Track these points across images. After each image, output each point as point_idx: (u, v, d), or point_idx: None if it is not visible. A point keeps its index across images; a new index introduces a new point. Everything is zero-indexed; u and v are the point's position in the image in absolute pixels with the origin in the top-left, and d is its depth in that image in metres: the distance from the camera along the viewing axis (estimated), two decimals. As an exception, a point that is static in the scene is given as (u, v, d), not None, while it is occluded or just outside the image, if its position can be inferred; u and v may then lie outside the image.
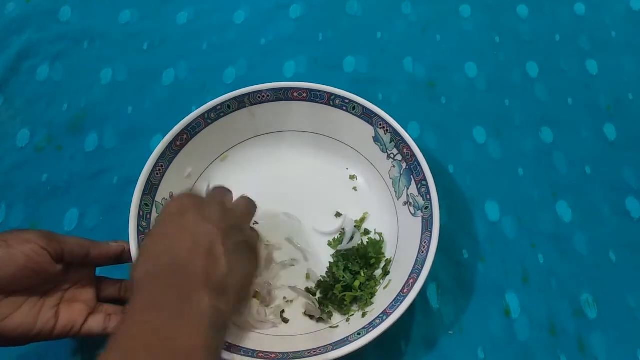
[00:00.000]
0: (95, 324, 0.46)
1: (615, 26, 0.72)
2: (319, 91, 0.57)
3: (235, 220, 0.44)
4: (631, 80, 0.68)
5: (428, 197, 0.52)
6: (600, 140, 0.64)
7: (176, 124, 0.54)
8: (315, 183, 0.59)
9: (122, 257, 0.49)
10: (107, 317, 0.47)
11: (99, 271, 0.50)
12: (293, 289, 0.53)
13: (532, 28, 0.72)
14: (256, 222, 0.56)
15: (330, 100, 0.57)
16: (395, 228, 0.55)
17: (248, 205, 0.49)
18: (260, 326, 0.51)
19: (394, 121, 0.55)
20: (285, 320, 0.52)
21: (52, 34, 0.71)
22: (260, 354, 0.46)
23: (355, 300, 0.52)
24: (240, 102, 0.57)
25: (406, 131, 0.55)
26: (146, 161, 0.52)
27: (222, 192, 0.47)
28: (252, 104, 0.57)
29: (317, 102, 0.58)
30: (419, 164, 0.53)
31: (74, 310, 0.46)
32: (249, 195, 0.50)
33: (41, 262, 0.43)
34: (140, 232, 0.50)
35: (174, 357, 0.34)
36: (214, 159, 0.59)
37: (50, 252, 0.43)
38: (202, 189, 0.57)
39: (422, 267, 0.48)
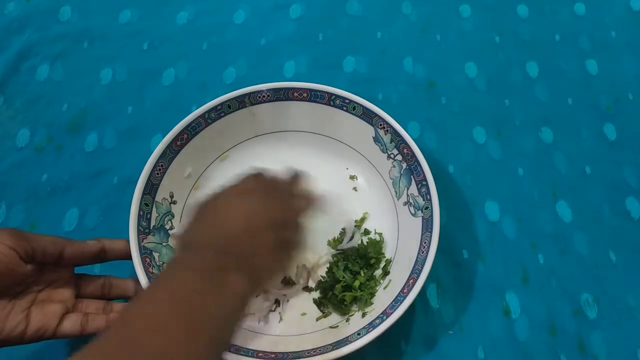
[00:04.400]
0: (70, 325, 0.44)
1: (615, 26, 0.72)
2: (319, 91, 0.57)
3: (289, 217, 0.44)
4: (631, 80, 0.68)
5: (428, 197, 0.52)
6: (600, 140, 0.64)
7: (176, 124, 0.54)
8: (315, 183, 0.59)
9: (100, 255, 0.47)
10: (84, 317, 0.45)
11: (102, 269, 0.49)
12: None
13: (532, 28, 0.72)
14: None
15: (330, 100, 0.57)
16: (395, 228, 0.55)
17: (310, 201, 0.47)
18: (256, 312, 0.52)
19: (394, 121, 0.55)
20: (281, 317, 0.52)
21: (52, 34, 0.71)
22: (260, 354, 0.46)
23: (355, 300, 0.52)
24: (240, 102, 0.57)
25: (406, 131, 0.55)
26: (146, 161, 0.52)
27: (293, 180, 0.48)
28: (252, 104, 0.57)
29: (318, 102, 0.58)
30: (419, 164, 0.53)
31: (48, 312, 0.43)
32: None
33: (8, 262, 0.41)
34: (140, 232, 0.50)
35: (199, 321, 0.34)
36: (214, 158, 0.59)
37: (19, 252, 0.41)
38: (205, 190, 0.57)
39: (422, 267, 0.48)
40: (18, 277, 0.42)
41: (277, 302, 0.53)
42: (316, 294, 0.54)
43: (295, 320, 0.52)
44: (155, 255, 0.50)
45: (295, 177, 0.48)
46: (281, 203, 0.43)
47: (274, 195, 0.44)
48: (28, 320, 0.42)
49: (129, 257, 0.48)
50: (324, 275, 0.54)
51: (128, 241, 0.49)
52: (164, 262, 0.50)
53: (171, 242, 0.53)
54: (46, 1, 0.73)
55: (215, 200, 0.42)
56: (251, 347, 0.48)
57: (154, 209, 0.52)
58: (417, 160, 0.53)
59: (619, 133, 0.64)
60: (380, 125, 0.56)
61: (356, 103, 0.56)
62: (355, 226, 0.56)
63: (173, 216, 0.54)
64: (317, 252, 0.55)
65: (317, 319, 0.52)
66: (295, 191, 0.47)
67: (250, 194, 0.42)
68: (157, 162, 0.53)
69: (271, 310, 0.53)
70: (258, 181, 0.44)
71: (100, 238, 0.47)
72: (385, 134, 0.56)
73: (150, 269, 0.48)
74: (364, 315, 0.50)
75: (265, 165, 0.59)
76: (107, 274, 0.50)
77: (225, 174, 0.58)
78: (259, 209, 0.41)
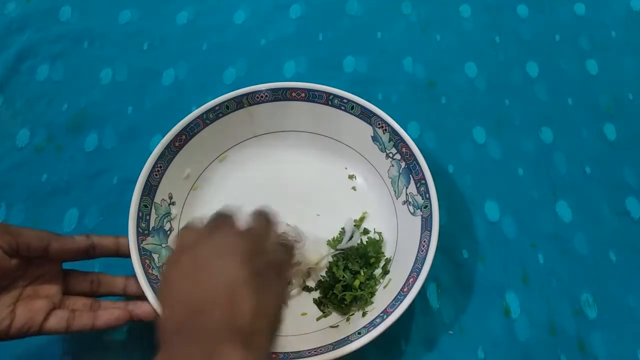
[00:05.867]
0: (56, 322, 0.43)
1: (615, 26, 0.72)
2: (317, 91, 0.57)
3: (253, 243, 0.38)
4: (631, 80, 0.68)
5: (427, 195, 0.52)
6: (600, 140, 0.64)
7: (176, 124, 0.54)
8: (314, 183, 0.59)
9: (89, 252, 0.46)
10: (71, 314, 0.44)
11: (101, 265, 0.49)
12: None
13: (532, 28, 0.72)
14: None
15: (328, 100, 0.57)
16: (394, 227, 0.55)
17: (264, 219, 0.42)
18: None
19: (393, 120, 0.55)
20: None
21: (52, 34, 0.71)
22: (260, 354, 0.46)
23: (355, 299, 0.52)
24: (238, 103, 0.57)
25: (406, 131, 0.55)
26: (146, 161, 0.52)
27: (224, 216, 0.41)
28: (250, 104, 0.57)
29: (316, 102, 0.58)
30: (418, 163, 0.53)
31: (33, 307, 0.43)
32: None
33: None
34: (139, 233, 0.50)
35: None
36: (212, 159, 0.59)
37: (3, 246, 0.41)
38: (203, 191, 0.57)
39: (422, 266, 0.48)
40: (2, 271, 0.41)
41: None
42: (316, 294, 0.54)
43: (296, 320, 0.52)
44: (155, 256, 0.50)
45: (225, 215, 0.41)
46: (233, 238, 0.38)
47: (221, 233, 0.39)
48: (13, 316, 0.42)
49: (118, 254, 0.48)
50: (324, 275, 0.54)
51: (118, 238, 0.48)
52: (163, 264, 0.50)
53: (170, 243, 0.53)
54: (46, 1, 0.73)
55: (171, 269, 0.38)
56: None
57: (153, 210, 0.52)
58: (415, 159, 0.53)
59: (619, 133, 0.64)
60: (379, 124, 0.56)
61: (354, 103, 0.56)
62: (354, 225, 0.56)
63: (172, 217, 0.54)
64: (316, 252, 0.55)
65: (318, 319, 0.52)
66: (238, 223, 0.41)
67: (197, 245, 0.38)
68: (156, 163, 0.53)
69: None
70: (193, 230, 0.40)
71: (90, 234, 0.47)
72: (384, 134, 0.56)
73: (150, 271, 0.48)
74: (364, 314, 0.50)
75: (264, 165, 0.60)
76: (107, 271, 0.50)
77: (224, 174, 0.58)
78: (215, 256, 0.37)
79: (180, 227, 0.53)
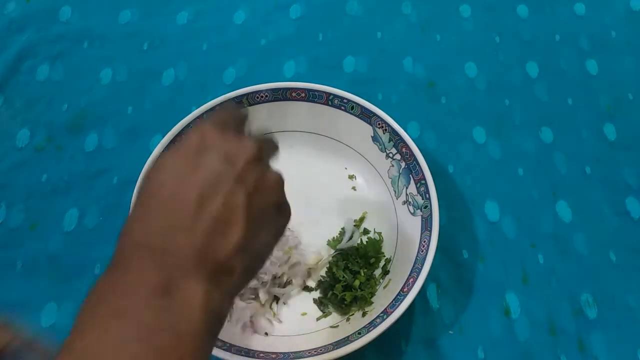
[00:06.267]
0: None
1: (615, 26, 0.72)
2: (317, 91, 0.57)
3: (260, 172, 0.33)
4: (631, 80, 0.68)
5: (427, 195, 0.52)
6: (600, 140, 0.64)
7: (176, 124, 0.54)
8: (314, 183, 0.59)
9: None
10: None
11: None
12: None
13: (532, 28, 0.72)
14: None
15: (328, 100, 0.57)
16: (394, 227, 0.55)
17: (272, 144, 0.36)
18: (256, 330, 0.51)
19: (393, 120, 0.55)
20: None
21: (52, 34, 0.71)
22: (261, 354, 0.47)
23: (355, 299, 0.52)
24: (238, 103, 0.57)
25: (406, 131, 0.55)
26: (146, 161, 0.52)
27: (264, 139, 0.35)
28: (250, 104, 0.57)
29: (316, 102, 0.58)
30: (418, 163, 0.53)
31: None
32: None
33: None
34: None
35: None
36: (213, 159, 0.58)
37: None
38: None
39: (422, 266, 0.48)
40: None
41: (276, 299, 0.53)
42: (316, 294, 0.54)
43: (296, 320, 0.52)
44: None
45: (267, 138, 0.35)
46: (255, 159, 0.32)
47: (245, 147, 0.32)
48: None
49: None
50: (324, 275, 0.54)
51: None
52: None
53: None
54: (46, 1, 0.73)
55: (161, 171, 0.32)
56: (251, 347, 0.48)
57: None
58: (415, 159, 0.53)
59: (619, 133, 0.64)
60: (379, 124, 0.56)
61: (354, 103, 0.56)
62: (354, 225, 0.56)
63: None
64: (316, 252, 0.55)
65: (318, 319, 0.52)
66: (268, 151, 0.35)
67: (208, 150, 0.31)
68: (156, 162, 0.53)
69: (270, 309, 0.53)
70: (216, 131, 0.33)
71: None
72: (384, 133, 0.56)
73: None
74: (364, 314, 0.50)
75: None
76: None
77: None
78: (223, 170, 0.31)
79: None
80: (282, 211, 0.35)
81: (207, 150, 0.32)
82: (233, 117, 0.35)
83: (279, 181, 0.34)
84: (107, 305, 0.28)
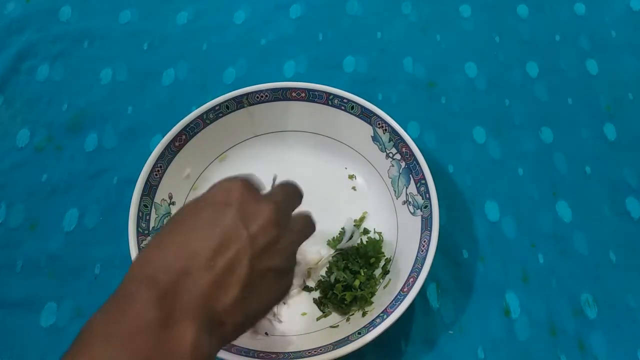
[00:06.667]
0: None
1: (615, 26, 0.72)
2: (317, 91, 0.57)
3: (283, 237, 0.36)
4: (631, 80, 0.68)
5: (427, 195, 0.52)
6: (600, 140, 0.64)
7: (176, 124, 0.54)
8: (314, 182, 0.59)
9: None
10: None
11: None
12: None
13: (532, 28, 0.72)
14: None
15: (328, 100, 0.57)
16: (394, 227, 0.55)
17: (306, 225, 0.40)
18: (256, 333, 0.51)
19: (393, 120, 0.55)
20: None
21: (52, 34, 0.71)
22: (261, 354, 0.46)
23: (355, 299, 0.52)
24: (238, 103, 0.57)
25: (406, 131, 0.55)
26: (146, 161, 0.52)
27: (288, 192, 0.39)
28: (250, 104, 0.57)
29: (316, 102, 0.58)
30: (418, 163, 0.53)
31: None
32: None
33: None
34: (139, 233, 0.50)
35: None
36: (212, 159, 0.59)
37: None
38: (204, 191, 0.57)
39: (422, 266, 0.48)
40: None
41: None
42: (316, 294, 0.54)
43: (296, 320, 0.52)
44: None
45: (291, 191, 0.40)
46: (270, 219, 0.35)
47: (263, 206, 0.36)
48: None
49: None
50: (324, 274, 0.54)
51: None
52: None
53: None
54: (46, 1, 0.73)
55: (181, 218, 0.35)
56: (251, 347, 0.48)
57: (153, 210, 0.52)
58: (415, 159, 0.53)
59: (619, 133, 0.64)
60: (379, 124, 0.56)
61: (354, 102, 0.56)
62: (354, 225, 0.56)
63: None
64: (316, 252, 0.55)
65: (318, 319, 0.52)
66: (288, 208, 0.39)
67: (229, 205, 0.35)
68: (156, 163, 0.53)
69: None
70: (242, 188, 0.36)
71: None
72: (384, 133, 0.56)
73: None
74: (364, 314, 0.50)
75: (264, 165, 0.59)
76: (107, 271, 0.49)
77: (224, 174, 0.58)
78: (239, 225, 0.34)
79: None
80: (284, 278, 0.38)
81: (230, 206, 0.35)
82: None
83: (290, 248, 0.37)
84: (108, 329, 0.30)
